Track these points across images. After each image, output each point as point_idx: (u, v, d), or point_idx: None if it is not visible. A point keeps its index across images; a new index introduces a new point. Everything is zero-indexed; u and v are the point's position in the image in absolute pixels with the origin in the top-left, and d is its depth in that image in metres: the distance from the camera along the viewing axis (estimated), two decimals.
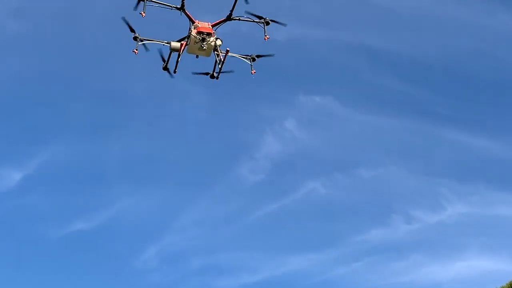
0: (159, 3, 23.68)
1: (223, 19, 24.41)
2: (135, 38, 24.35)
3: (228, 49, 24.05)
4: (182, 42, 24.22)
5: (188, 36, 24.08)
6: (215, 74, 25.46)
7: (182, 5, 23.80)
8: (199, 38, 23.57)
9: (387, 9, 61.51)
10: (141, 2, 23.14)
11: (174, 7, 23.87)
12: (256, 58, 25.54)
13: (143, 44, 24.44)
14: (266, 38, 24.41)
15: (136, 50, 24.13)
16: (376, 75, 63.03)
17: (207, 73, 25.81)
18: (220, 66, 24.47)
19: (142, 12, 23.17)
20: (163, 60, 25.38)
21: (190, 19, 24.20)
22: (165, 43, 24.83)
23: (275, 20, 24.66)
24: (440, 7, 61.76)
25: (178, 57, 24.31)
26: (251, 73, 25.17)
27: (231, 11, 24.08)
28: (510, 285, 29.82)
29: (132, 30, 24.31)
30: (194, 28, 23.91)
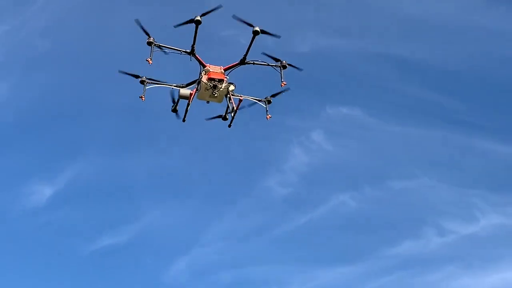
0: (168, 47, 21.85)
1: (236, 62, 22.51)
2: (142, 82, 22.57)
3: (241, 98, 22.21)
4: (191, 91, 22.37)
5: (198, 82, 22.26)
6: (227, 117, 23.69)
7: (192, 50, 21.92)
8: (210, 85, 21.71)
9: (414, 18, 59.00)
10: (150, 47, 21.39)
11: (184, 51, 22.02)
12: (271, 100, 23.67)
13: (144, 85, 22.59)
14: (283, 84, 22.45)
15: (143, 96, 22.37)
16: (404, 85, 60.76)
17: (219, 116, 24.08)
18: (232, 115, 22.63)
19: (149, 59, 21.39)
20: (173, 102, 23.66)
21: (201, 63, 22.35)
22: (174, 86, 23.03)
23: (292, 64, 22.68)
24: (467, 15, 59.00)
25: (188, 106, 22.48)
26: (266, 118, 23.30)
27: (246, 54, 22.16)
28: None
29: (137, 77, 22.54)
30: (205, 73, 22.02)
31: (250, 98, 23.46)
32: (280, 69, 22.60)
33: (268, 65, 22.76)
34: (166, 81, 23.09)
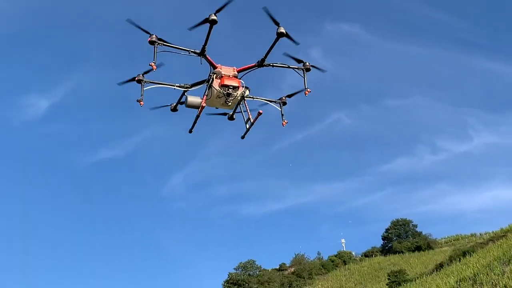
0: (175, 47, 18.29)
1: (253, 64, 19.16)
2: (139, 81, 19.01)
3: (260, 111, 19.10)
4: (201, 99, 18.99)
5: (209, 86, 18.95)
6: (234, 117, 20.65)
7: (203, 51, 18.43)
8: (223, 93, 18.50)
9: None
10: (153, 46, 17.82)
11: (192, 51, 18.50)
12: (286, 101, 20.59)
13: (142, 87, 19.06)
14: (307, 92, 19.39)
15: (141, 100, 18.88)
16: (406, 1, 58.51)
17: (225, 114, 21.02)
18: (248, 127, 19.61)
19: (153, 64, 17.86)
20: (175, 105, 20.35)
21: (211, 64, 18.94)
22: (177, 87, 19.62)
23: (316, 66, 19.61)
24: None
25: (197, 118, 19.23)
26: (282, 124, 20.31)
27: (265, 56, 18.86)
28: None
29: (141, 76, 18.98)
30: (217, 77, 18.66)
31: (263, 99, 20.36)
32: (303, 72, 19.47)
33: (290, 67, 19.59)
34: (166, 81, 19.66)
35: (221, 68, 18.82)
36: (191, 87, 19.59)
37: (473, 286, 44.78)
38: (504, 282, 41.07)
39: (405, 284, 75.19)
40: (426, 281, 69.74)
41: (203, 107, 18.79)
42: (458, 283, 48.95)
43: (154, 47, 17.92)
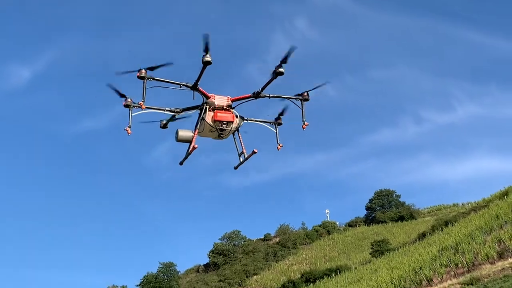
0: (166, 81, 17.05)
1: (248, 95, 18.02)
2: (127, 106, 17.67)
3: (255, 150, 18.14)
4: (194, 133, 17.85)
5: (201, 118, 17.83)
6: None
7: (195, 85, 17.25)
8: (216, 128, 17.45)
9: None
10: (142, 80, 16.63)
11: (184, 85, 17.29)
12: (281, 121, 19.55)
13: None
14: (304, 126, 18.41)
15: (129, 128, 17.55)
16: None
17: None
18: (241, 160, 18.65)
19: (141, 103, 16.65)
20: (161, 121, 19.26)
21: (204, 95, 17.80)
22: (167, 111, 18.43)
23: (315, 87, 18.59)
24: None
25: (188, 154, 18.13)
26: (277, 148, 19.36)
27: (262, 90, 17.77)
28: None
29: (122, 95, 17.71)
30: (209, 108, 17.52)
31: (257, 121, 19.35)
32: (301, 103, 18.45)
33: (283, 97, 18.56)
34: (156, 105, 18.46)
35: (214, 98, 17.69)
36: (181, 112, 18.46)
37: (455, 255, 45.38)
38: (485, 251, 41.66)
39: (388, 253, 76.50)
40: (409, 250, 71.04)
41: (194, 148, 17.67)
42: (440, 252, 49.65)
43: (144, 82, 16.66)
